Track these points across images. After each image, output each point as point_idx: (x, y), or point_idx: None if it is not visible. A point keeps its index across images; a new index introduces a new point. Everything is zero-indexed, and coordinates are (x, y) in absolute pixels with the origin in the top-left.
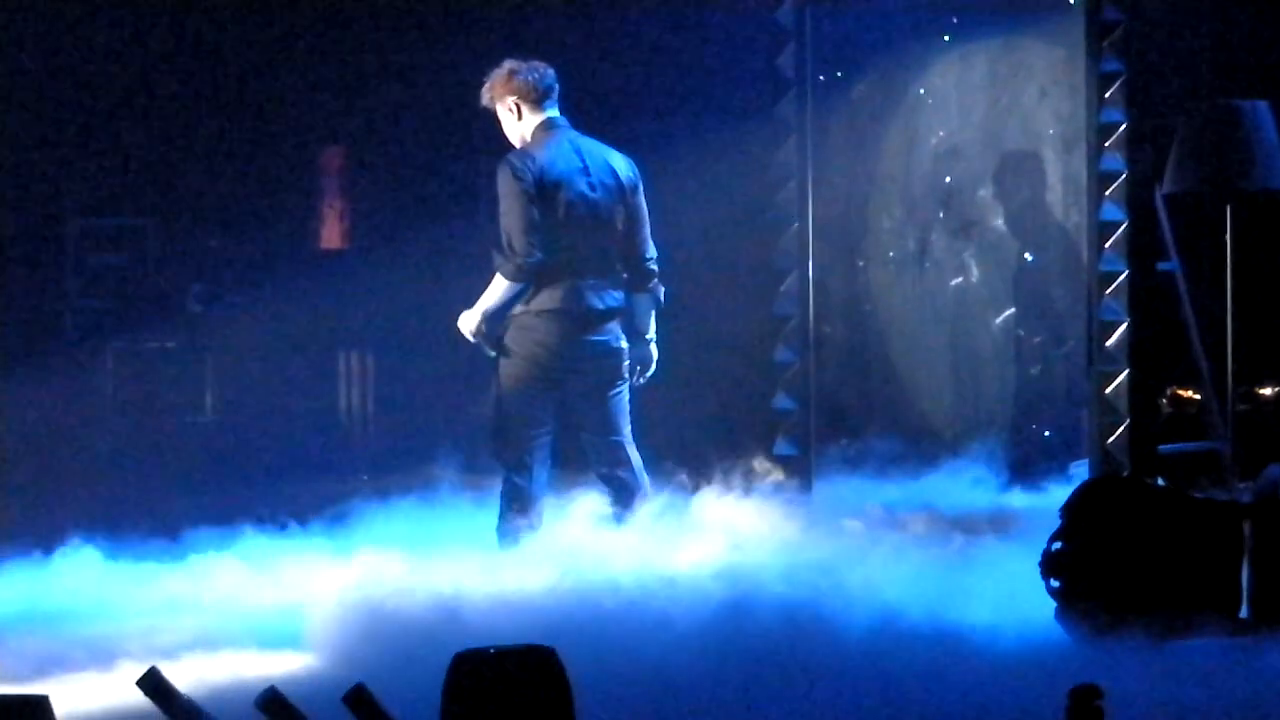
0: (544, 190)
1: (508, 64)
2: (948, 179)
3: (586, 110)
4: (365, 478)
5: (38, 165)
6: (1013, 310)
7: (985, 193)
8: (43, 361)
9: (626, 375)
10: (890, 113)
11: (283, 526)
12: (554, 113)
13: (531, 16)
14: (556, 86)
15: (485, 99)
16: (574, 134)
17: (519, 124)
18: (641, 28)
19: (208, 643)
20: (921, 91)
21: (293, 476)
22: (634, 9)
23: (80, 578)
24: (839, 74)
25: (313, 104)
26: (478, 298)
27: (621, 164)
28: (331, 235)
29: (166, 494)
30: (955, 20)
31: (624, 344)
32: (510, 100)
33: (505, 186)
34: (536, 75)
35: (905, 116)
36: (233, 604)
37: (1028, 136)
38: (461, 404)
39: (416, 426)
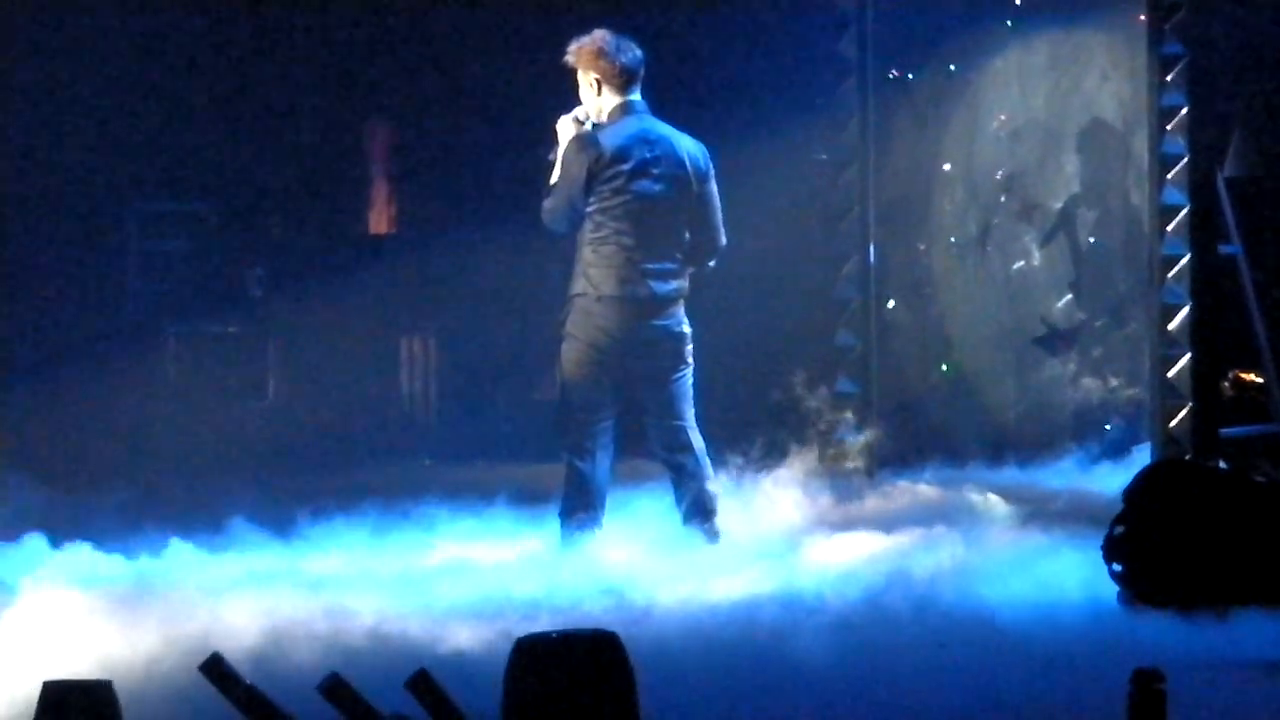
0: (604, 171)
1: (599, 35)
2: (1009, 163)
3: (650, 93)
4: (428, 462)
5: (99, 152)
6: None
7: (1047, 177)
8: (104, 346)
9: (689, 360)
10: (951, 97)
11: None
12: (635, 96)
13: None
14: (642, 71)
15: (569, 59)
16: (650, 120)
17: (597, 99)
18: (705, 13)
19: (268, 628)
20: (983, 75)
21: (354, 461)
22: None
23: (139, 562)
24: (900, 59)
25: (368, 86)
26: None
27: (693, 151)
28: (383, 220)
29: (227, 478)
30: (1018, 2)
31: (686, 328)
32: (592, 76)
33: (568, 152)
34: (625, 59)
35: (966, 101)
36: (294, 589)
37: (1089, 120)
38: (524, 388)
39: (479, 411)
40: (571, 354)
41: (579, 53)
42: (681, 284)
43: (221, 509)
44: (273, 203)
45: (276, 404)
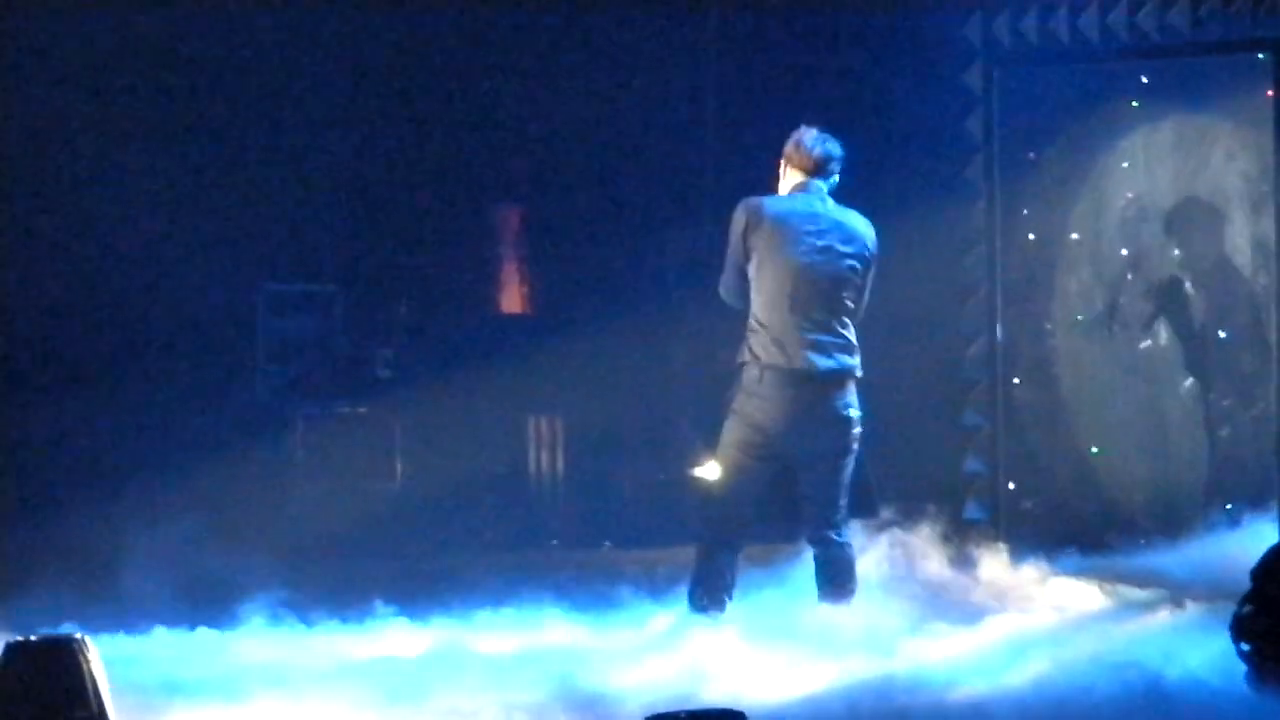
0: (761, 228)
1: (801, 129)
2: (1135, 242)
3: (774, 175)
4: (555, 543)
5: (228, 234)
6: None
7: (1173, 255)
8: (234, 426)
9: (855, 445)
10: (1078, 175)
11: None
12: (816, 180)
13: (713, 80)
14: (830, 164)
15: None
16: (820, 197)
17: (783, 181)
18: (831, 93)
19: (392, 713)
20: (1109, 154)
21: (481, 542)
22: (823, 76)
23: (266, 644)
24: (1026, 137)
25: (496, 167)
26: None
27: (862, 229)
28: (510, 301)
29: (355, 560)
30: (1144, 80)
31: (855, 412)
32: (783, 161)
33: (733, 217)
34: (808, 147)
35: (1093, 179)
36: (423, 670)
37: (1215, 199)
38: (651, 470)
39: (606, 492)
40: (731, 435)
41: (786, 144)
42: (848, 361)
43: (352, 590)
44: (401, 284)
45: (404, 484)
